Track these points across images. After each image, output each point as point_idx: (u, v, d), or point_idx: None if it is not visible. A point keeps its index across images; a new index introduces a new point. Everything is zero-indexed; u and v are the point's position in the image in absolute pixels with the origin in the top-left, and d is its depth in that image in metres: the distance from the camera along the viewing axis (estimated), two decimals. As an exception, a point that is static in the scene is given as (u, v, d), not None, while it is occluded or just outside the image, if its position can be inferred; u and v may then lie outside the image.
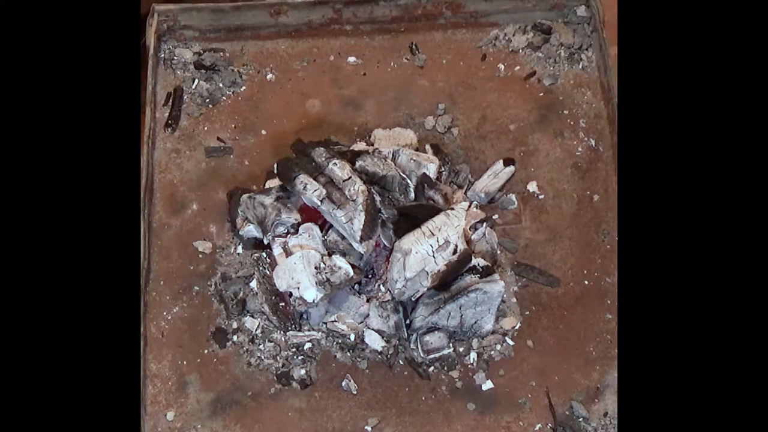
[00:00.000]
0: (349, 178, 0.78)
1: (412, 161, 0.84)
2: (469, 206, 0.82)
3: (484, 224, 0.83)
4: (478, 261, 0.81)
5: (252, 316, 0.83)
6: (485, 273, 0.80)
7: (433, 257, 0.78)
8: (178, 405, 0.81)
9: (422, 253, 0.78)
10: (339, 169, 0.79)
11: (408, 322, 0.81)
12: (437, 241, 0.79)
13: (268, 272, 0.83)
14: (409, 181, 0.83)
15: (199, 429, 0.80)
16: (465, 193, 0.87)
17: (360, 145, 0.88)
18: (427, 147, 0.90)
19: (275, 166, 0.83)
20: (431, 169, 0.84)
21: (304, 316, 0.83)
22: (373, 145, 0.89)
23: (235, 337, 0.83)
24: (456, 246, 0.79)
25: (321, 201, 0.78)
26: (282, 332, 0.82)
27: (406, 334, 0.81)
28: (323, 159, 0.80)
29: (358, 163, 0.81)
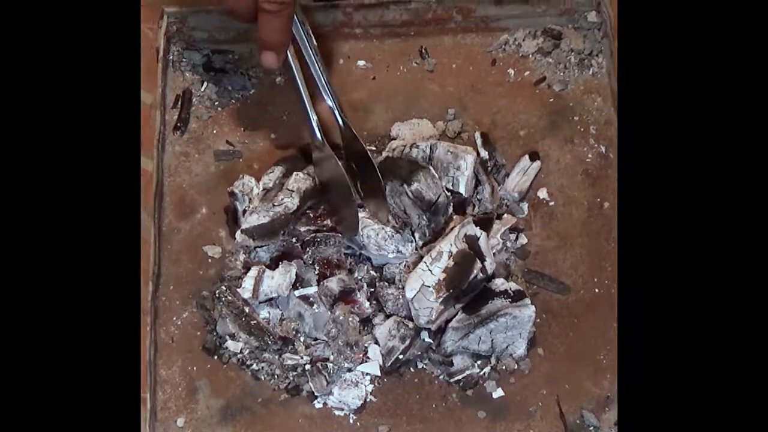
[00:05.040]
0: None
1: (449, 153, 0.84)
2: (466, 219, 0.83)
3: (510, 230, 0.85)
4: (510, 285, 0.81)
5: (233, 339, 0.82)
6: (516, 297, 0.80)
7: (429, 270, 0.78)
8: (188, 411, 0.81)
9: (418, 272, 0.78)
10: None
11: (437, 344, 0.81)
12: (430, 256, 0.79)
13: (230, 297, 0.82)
14: (450, 200, 0.82)
15: (209, 435, 0.80)
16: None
17: (394, 145, 0.87)
18: (477, 135, 0.89)
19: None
20: (468, 160, 0.83)
21: (298, 334, 0.83)
22: (391, 136, 0.90)
23: (226, 356, 0.82)
24: (450, 252, 0.79)
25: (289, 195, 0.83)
26: (271, 353, 0.82)
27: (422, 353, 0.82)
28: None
29: (414, 186, 0.81)
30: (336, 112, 0.83)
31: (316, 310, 0.81)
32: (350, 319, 0.81)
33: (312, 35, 0.81)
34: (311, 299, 0.82)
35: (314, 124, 0.81)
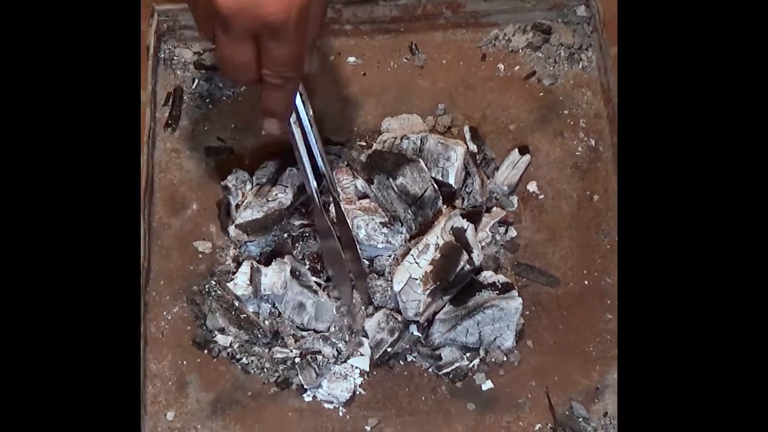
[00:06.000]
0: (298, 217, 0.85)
1: (439, 144, 0.84)
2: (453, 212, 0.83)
3: (500, 224, 0.85)
4: (498, 278, 0.81)
5: (222, 333, 0.82)
6: (504, 289, 0.80)
7: (416, 263, 0.78)
8: (178, 405, 0.81)
9: (405, 265, 0.78)
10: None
11: (425, 336, 0.81)
12: (417, 249, 0.79)
13: (220, 292, 0.82)
14: (438, 194, 0.82)
15: (199, 429, 0.80)
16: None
17: (385, 137, 0.87)
18: (466, 129, 0.90)
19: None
20: (459, 151, 0.83)
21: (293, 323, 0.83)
22: (381, 131, 0.90)
23: (215, 350, 0.83)
24: (437, 244, 0.79)
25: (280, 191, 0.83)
26: (261, 346, 0.82)
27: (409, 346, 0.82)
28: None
29: (399, 180, 0.81)
30: (330, 186, 0.81)
31: (321, 300, 0.82)
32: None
33: (309, 104, 0.79)
34: (314, 288, 0.82)
35: (314, 192, 0.80)
